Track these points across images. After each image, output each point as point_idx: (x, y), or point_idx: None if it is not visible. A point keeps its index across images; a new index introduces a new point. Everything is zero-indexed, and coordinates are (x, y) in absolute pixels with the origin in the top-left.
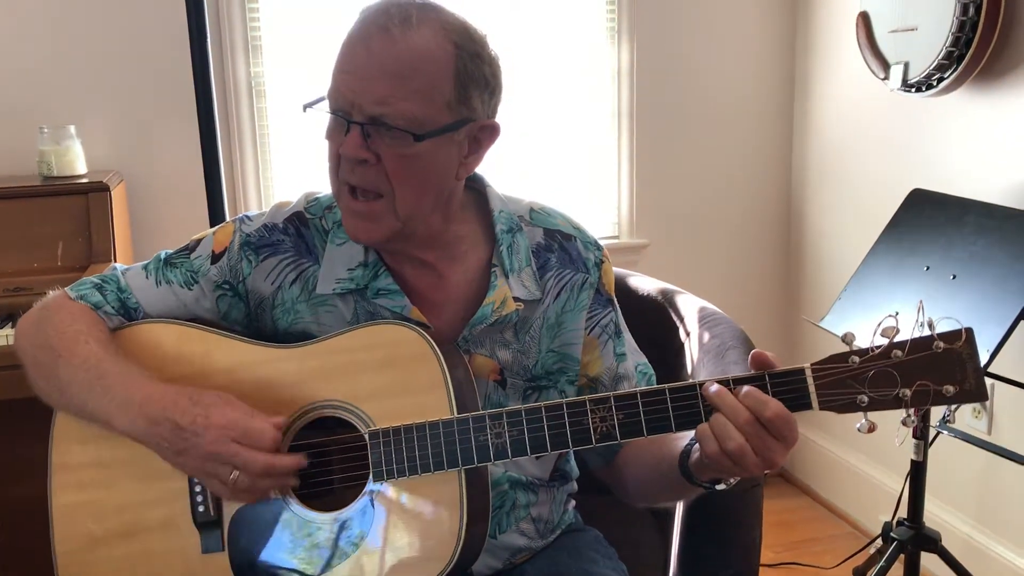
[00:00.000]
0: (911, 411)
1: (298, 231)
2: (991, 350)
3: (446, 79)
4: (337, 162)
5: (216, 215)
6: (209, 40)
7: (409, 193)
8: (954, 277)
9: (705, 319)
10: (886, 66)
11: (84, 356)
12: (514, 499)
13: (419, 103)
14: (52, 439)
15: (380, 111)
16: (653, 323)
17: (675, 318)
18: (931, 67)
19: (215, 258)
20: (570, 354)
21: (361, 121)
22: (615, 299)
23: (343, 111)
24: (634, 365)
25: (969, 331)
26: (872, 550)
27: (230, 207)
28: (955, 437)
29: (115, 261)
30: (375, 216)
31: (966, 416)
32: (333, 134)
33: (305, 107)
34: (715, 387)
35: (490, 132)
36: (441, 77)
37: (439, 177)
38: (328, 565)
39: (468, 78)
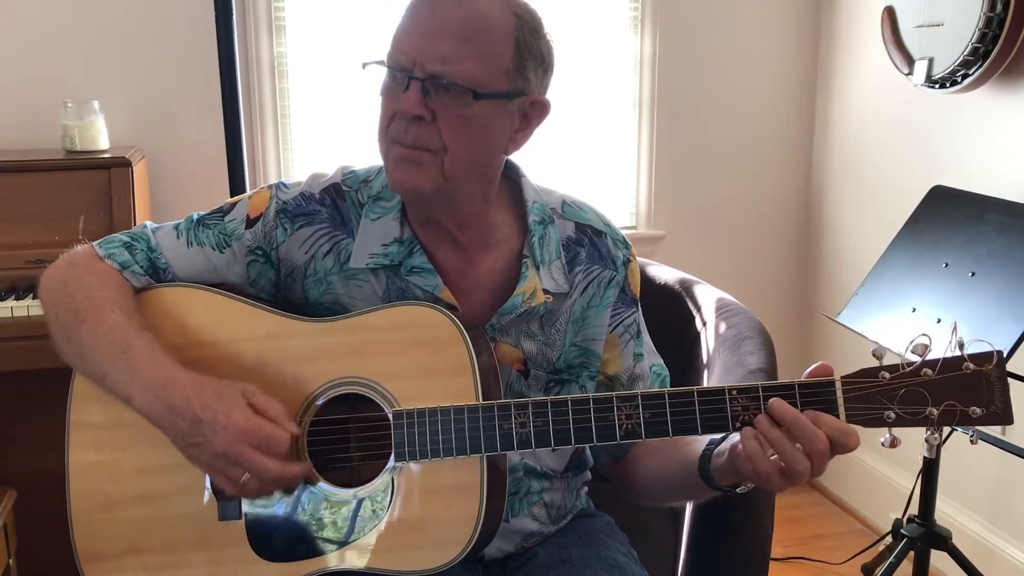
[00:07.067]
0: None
1: (334, 203)
2: (1009, 348)
3: (507, 46)
4: (389, 121)
5: (236, 194)
6: (234, 19)
7: (460, 153)
8: (973, 274)
9: (722, 309)
10: (910, 61)
11: (111, 326)
12: (528, 486)
13: (480, 65)
14: (71, 396)
15: (441, 69)
16: (670, 312)
17: (692, 308)
18: (956, 63)
19: (250, 223)
20: (592, 349)
21: (421, 78)
22: (639, 300)
23: (404, 68)
24: (649, 365)
25: (1000, 354)
26: (881, 547)
27: (251, 186)
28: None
29: None
30: (422, 164)
31: None
32: (390, 92)
33: (365, 64)
34: (788, 408)
35: (540, 109)
36: (502, 44)
37: (489, 144)
38: (345, 541)
39: (527, 50)
